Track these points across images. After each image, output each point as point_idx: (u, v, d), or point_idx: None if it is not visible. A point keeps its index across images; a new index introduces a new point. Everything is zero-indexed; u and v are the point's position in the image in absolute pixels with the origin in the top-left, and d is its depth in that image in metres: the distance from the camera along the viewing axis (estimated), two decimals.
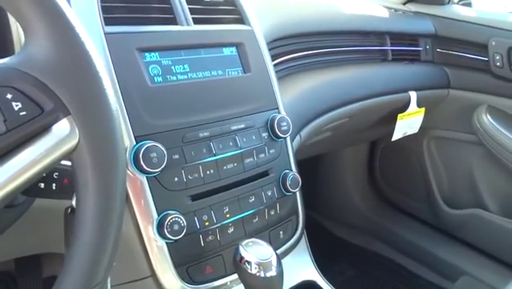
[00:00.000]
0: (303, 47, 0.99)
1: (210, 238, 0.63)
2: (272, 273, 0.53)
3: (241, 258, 0.54)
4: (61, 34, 0.33)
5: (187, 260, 0.61)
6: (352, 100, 1.00)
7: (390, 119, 1.16)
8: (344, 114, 1.00)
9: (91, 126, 0.34)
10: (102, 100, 0.34)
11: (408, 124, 1.19)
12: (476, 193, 1.33)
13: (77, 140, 0.33)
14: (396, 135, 1.19)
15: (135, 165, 0.56)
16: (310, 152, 1.26)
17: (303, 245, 0.79)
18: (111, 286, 0.62)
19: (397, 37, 1.19)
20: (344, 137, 1.26)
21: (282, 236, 0.73)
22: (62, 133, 0.33)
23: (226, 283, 0.64)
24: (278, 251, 0.72)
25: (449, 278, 1.37)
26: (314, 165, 1.59)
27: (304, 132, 0.87)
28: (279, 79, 0.79)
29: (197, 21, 0.68)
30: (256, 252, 0.54)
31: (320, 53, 1.04)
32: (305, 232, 0.78)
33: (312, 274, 0.78)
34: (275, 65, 0.85)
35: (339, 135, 1.17)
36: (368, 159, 1.60)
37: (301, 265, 0.77)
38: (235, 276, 0.65)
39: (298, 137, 0.85)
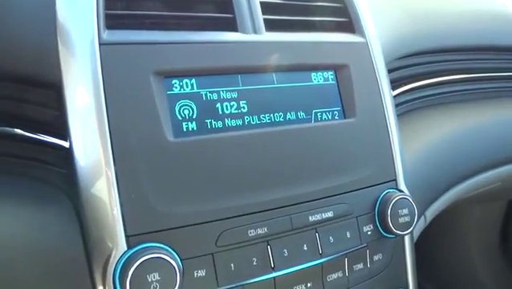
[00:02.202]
0: (435, 70, 0.65)
1: None
2: None
3: None
4: None
5: None
6: None
7: None
8: (496, 178, 0.63)
9: None
10: None
11: None
12: None
13: None
14: None
15: (119, 286, 0.30)
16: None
17: None
18: None
19: None
20: (481, 196, 0.88)
21: None
22: None
23: None
24: None
25: None
26: None
27: (432, 210, 0.54)
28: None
29: (271, 25, 0.40)
30: None
31: (462, 80, 0.68)
32: None
33: None
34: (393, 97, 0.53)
35: (476, 195, 0.80)
36: (504, 221, 1.16)
37: None
38: None
39: (422, 220, 0.52)
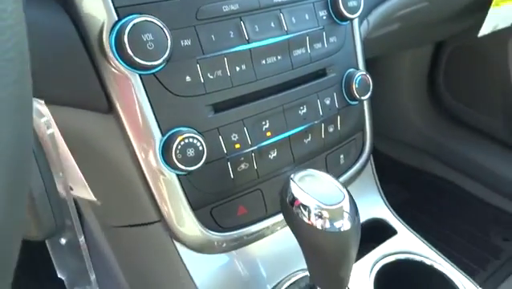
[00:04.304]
0: None
1: (243, 166, 0.42)
2: (345, 226, 0.33)
3: (294, 199, 0.34)
4: None
5: (210, 199, 0.41)
6: None
7: (479, 7, 0.87)
8: None
9: None
10: None
11: (504, 14, 0.89)
12: None
13: None
14: (485, 29, 0.89)
15: (118, 54, 0.34)
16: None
17: (369, 172, 0.58)
18: (114, 227, 0.45)
19: None
20: (412, 33, 0.98)
21: (342, 161, 0.52)
22: None
23: (268, 227, 0.45)
24: None
25: None
26: None
27: (373, 16, 0.61)
28: None
29: None
30: (317, 191, 0.34)
31: None
32: (371, 157, 0.57)
33: (380, 209, 0.58)
34: None
35: (408, 28, 0.89)
36: (431, 66, 1.31)
37: (366, 198, 0.57)
38: (279, 217, 0.46)
39: (365, 23, 0.59)
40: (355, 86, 0.49)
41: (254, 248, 0.46)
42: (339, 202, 0.33)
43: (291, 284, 0.44)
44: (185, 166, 0.37)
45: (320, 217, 0.33)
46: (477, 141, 1.29)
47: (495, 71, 1.17)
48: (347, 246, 0.34)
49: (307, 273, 0.43)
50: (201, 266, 0.43)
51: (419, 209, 1.25)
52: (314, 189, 0.34)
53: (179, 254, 0.42)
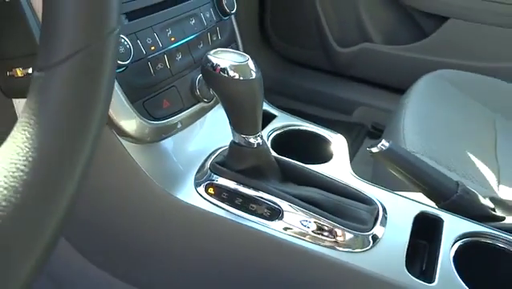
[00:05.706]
0: None
1: (160, 65, 0.52)
2: (253, 75, 0.47)
3: (214, 65, 0.46)
4: None
5: (141, 93, 0.50)
6: None
7: None
8: None
9: None
10: None
11: None
12: (362, 28, 1.42)
13: None
14: None
15: None
16: None
17: None
18: None
19: None
20: None
21: None
22: None
23: (188, 116, 0.56)
24: None
25: (347, 112, 1.51)
26: None
27: None
28: None
29: None
30: (228, 57, 0.47)
31: None
32: None
33: None
34: None
35: None
36: (259, 13, 1.55)
37: None
38: (193, 109, 0.57)
39: None
40: (224, 2, 0.63)
41: (182, 135, 0.56)
42: (246, 61, 0.47)
43: (217, 155, 0.57)
44: (120, 60, 0.45)
45: (235, 73, 0.46)
46: (308, 73, 1.59)
47: (308, 9, 1.46)
48: (257, 90, 0.48)
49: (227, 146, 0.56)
50: (143, 155, 0.52)
51: None
52: (226, 57, 0.47)
53: (124, 146, 0.50)
